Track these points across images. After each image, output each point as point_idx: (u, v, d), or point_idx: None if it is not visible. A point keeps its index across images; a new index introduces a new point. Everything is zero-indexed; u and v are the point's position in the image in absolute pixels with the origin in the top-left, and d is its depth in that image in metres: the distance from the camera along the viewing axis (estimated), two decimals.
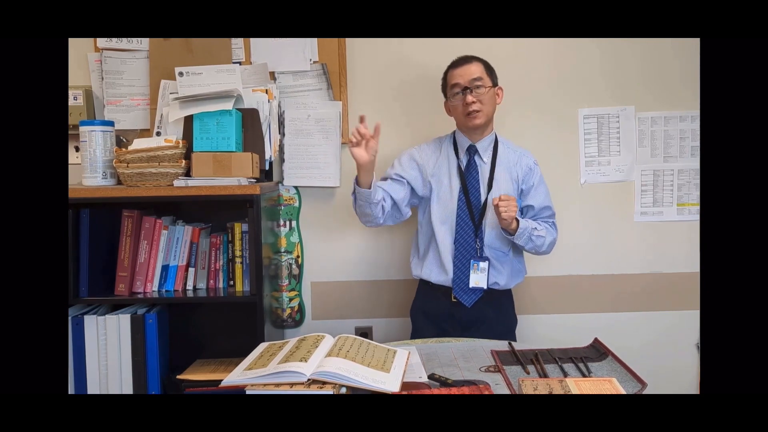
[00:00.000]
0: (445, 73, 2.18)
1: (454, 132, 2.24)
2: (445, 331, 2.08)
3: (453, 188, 2.14)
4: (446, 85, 2.18)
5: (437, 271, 2.14)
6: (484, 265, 2.09)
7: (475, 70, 2.10)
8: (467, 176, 2.14)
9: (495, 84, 2.15)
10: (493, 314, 2.14)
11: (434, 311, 2.17)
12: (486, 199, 2.12)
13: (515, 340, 2.13)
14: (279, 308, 2.49)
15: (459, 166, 2.16)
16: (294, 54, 2.42)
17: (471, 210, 2.11)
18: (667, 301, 2.56)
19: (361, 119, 1.93)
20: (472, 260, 2.09)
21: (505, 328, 2.17)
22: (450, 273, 2.11)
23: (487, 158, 2.16)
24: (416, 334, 2.20)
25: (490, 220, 2.10)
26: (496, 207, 2.00)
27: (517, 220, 2.05)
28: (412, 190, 2.17)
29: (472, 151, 2.16)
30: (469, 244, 2.11)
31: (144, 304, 2.13)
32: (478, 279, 2.09)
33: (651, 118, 2.51)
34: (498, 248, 2.14)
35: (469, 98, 2.07)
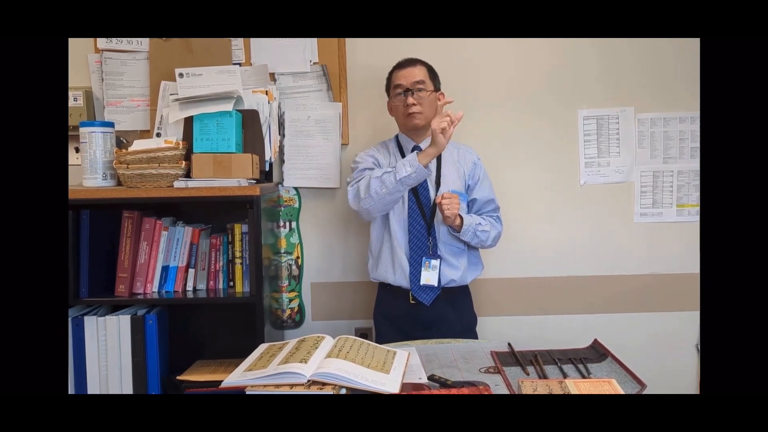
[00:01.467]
0: (390, 74, 2.20)
1: (396, 135, 2.26)
2: (407, 334, 2.08)
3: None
4: (390, 85, 2.20)
5: (392, 271, 2.15)
6: (435, 262, 2.11)
7: (418, 73, 2.14)
8: None
9: (437, 89, 2.19)
10: (452, 313, 2.16)
11: (394, 314, 2.18)
12: (434, 198, 2.13)
13: (476, 338, 2.14)
14: (279, 309, 2.50)
15: None
16: (294, 55, 2.43)
17: (422, 209, 2.13)
18: (666, 302, 2.56)
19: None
20: (424, 258, 2.11)
21: (465, 327, 2.18)
22: (407, 273, 2.13)
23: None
24: (379, 338, 2.21)
25: (441, 217, 2.11)
26: (439, 204, 2.03)
27: (462, 217, 2.08)
28: None
29: (417, 151, 2.16)
30: (423, 243, 2.12)
31: (144, 304, 2.13)
32: (429, 276, 2.10)
33: (650, 119, 2.51)
34: (453, 243, 2.16)
35: (410, 100, 2.10)
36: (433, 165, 2.15)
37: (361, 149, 2.48)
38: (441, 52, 2.28)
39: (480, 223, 2.14)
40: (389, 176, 2.02)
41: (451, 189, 2.13)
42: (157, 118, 2.29)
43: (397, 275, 2.14)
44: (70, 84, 2.36)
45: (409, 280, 2.13)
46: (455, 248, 2.16)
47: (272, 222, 2.37)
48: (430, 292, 2.12)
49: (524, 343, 1.80)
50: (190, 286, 2.16)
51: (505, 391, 1.44)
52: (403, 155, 2.18)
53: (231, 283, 2.16)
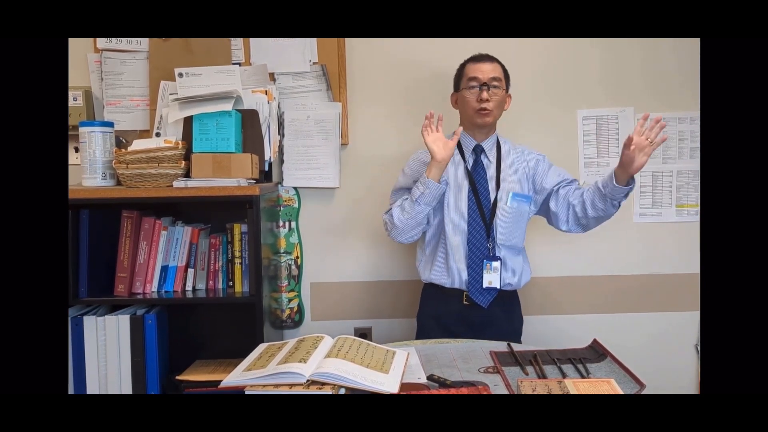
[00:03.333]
0: (463, 66, 2.15)
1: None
2: (455, 334, 2.05)
3: (462, 189, 2.12)
4: (461, 77, 2.14)
5: (447, 273, 2.11)
6: (496, 264, 2.08)
7: (495, 69, 2.10)
8: (475, 176, 2.12)
9: (508, 87, 2.16)
10: (502, 315, 2.13)
11: (445, 315, 2.14)
12: (495, 197, 2.11)
13: (520, 340, 2.14)
14: (278, 309, 2.50)
15: (466, 167, 2.14)
16: (293, 55, 2.42)
17: (482, 210, 2.09)
18: (666, 302, 2.56)
19: (434, 116, 1.99)
20: (485, 260, 2.08)
21: (513, 328, 2.16)
22: (464, 275, 2.09)
23: (492, 158, 2.16)
24: (422, 337, 2.16)
25: (500, 218, 2.10)
26: (636, 145, 1.86)
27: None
28: None
29: (478, 150, 2.15)
30: (482, 245, 2.09)
31: (143, 304, 2.13)
32: (491, 279, 2.07)
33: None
34: (510, 246, 2.13)
35: (485, 95, 2.06)
36: (493, 166, 2.14)
37: (361, 149, 2.48)
38: (440, 53, 2.28)
39: None
40: (407, 202, 2.03)
41: (511, 192, 2.11)
42: (157, 117, 2.29)
43: (452, 278, 2.10)
44: (70, 83, 2.36)
45: (467, 283, 2.09)
46: (512, 251, 2.13)
47: (272, 222, 2.38)
48: (488, 295, 2.09)
49: (524, 342, 1.80)
50: (189, 286, 2.16)
51: (504, 391, 1.44)
52: (462, 153, 2.15)
53: (230, 283, 2.16)
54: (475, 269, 2.09)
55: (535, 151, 2.22)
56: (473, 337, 1.99)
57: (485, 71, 2.08)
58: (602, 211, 2.02)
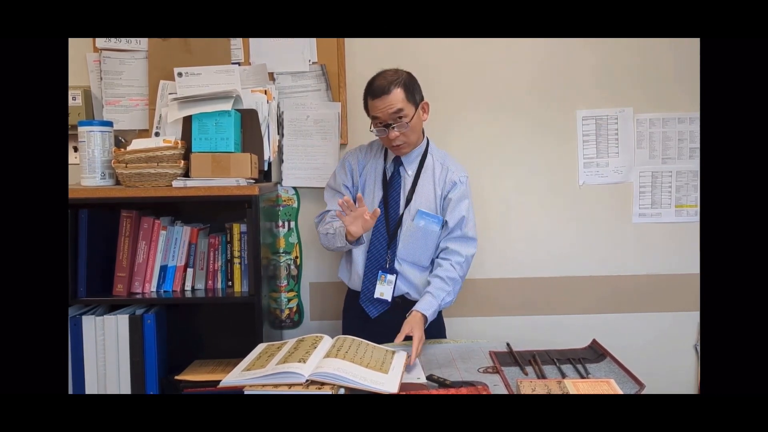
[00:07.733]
0: (365, 98, 2.03)
1: None
2: (371, 334, 1.96)
3: (375, 198, 2.10)
4: (367, 110, 2.04)
5: (349, 276, 2.14)
6: (391, 277, 2.06)
7: (394, 100, 1.94)
8: (390, 187, 2.09)
9: (417, 103, 2.00)
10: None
11: (359, 312, 2.12)
12: (402, 213, 2.07)
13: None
14: (277, 309, 2.49)
15: (384, 175, 2.11)
16: (293, 55, 2.42)
17: (387, 221, 2.08)
18: (665, 302, 2.56)
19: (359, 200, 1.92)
20: (380, 271, 2.07)
21: (430, 335, 2.04)
22: (360, 282, 2.09)
23: (411, 170, 2.09)
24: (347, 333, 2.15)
25: (405, 233, 2.06)
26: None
27: (425, 317, 1.90)
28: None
29: (398, 162, 2.10)
30: (381, 255, 2.07)
31: (142, 304, 2.12)
32: (383, 290, 2.06)
33: (649, 119, 2.51)
34: (412, 262, 2.08)
35: (392, 135, 1.97)
36: (409, 179, 2.07)
37: None
38: (439, 53, 2.28)
39: (443, 298, 1.98)
40: (332, 237, 2.04)
41: (419, 209, 2.05)
42: (156, 117, 2.29)
43: (352, 282, 2.13)
44: (69, 83, 2.36)
45: (361, 291, 2.09)
46: (417, 267, 2.09)
47: (271, 222, 2.37)
48: (379, 306, 2.08)
49: (523, 343, 1.80)
50: (188, 286, 2.15)
51: (504, 392, 1.44)
52: (385, 160, 2.12)
53: (229, 283, 2.16)
54: (370, 278, 2.08)
55: (461, 170, 2.11)
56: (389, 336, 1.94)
57: (383, 109, 1.95)
58: None
